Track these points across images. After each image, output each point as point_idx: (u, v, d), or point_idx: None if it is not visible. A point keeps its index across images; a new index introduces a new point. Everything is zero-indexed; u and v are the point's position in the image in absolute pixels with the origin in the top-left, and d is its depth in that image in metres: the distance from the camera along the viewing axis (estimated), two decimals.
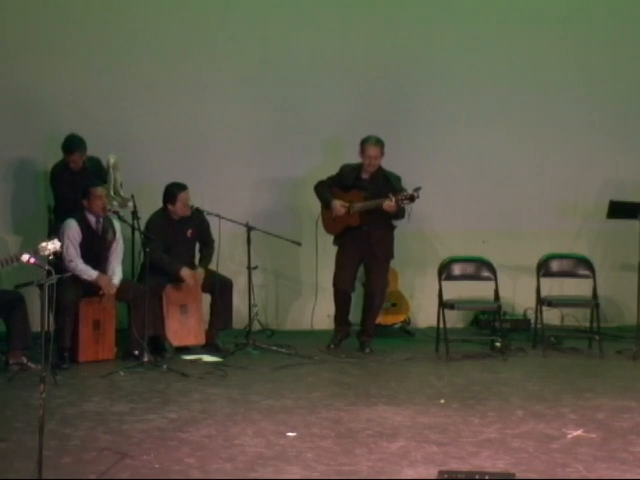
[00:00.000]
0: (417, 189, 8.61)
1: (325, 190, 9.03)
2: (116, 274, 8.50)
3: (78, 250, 8.33)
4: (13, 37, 9.51)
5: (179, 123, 9.82)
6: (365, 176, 8.94)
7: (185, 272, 8.79)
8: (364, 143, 8.86)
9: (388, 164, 9.28)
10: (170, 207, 8.84)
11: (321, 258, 9.42)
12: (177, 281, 8.81)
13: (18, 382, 7.54)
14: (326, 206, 9.02)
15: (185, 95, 9.84)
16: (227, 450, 6.01)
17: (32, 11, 9.51)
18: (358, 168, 8.96)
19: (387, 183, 8.86)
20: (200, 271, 8.91)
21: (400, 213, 8.83)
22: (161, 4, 9.87)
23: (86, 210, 8.44)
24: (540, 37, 10.27)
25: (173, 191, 8.82)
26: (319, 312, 9.35)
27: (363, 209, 8.82)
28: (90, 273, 8.33)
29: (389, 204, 8.64)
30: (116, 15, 9.69)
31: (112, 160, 8.89)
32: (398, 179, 8.94)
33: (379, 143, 8.85)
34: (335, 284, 9.07)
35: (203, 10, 9.86)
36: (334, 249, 9.10)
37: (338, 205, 8.89)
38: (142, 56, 9.74)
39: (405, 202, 8.66)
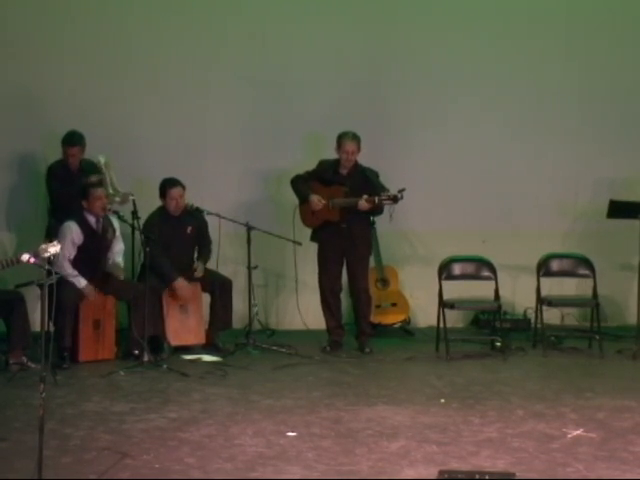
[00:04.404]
0: (401, 190, 8.54)
1: (302, 184, 9.00)
2: (117, 258, 8.56)
3: (72, 253, 8.32)
4: (12, 34, 9.51)
5: (178, 121, 9.82)
6: (343, 171, 8.94)
7: (179, 283, 8.77)
8: (341, 138, 8.85)
9: (388, 163, 9.30)
10: (163, 203, 8.88)
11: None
12: (170, 288, 8.82)
13: (18, 382, 7.53)
14: (303, 200, 8.98)
15: (184, 93, 9.85)
16: (227, 450, 6.01)
17: (32, 8, 9.52)
18: (336, 163, 8.95)
19: (365, 179, 8.84)
20: (200, 265, 8.93)
21: (378, 209, 8.81)
22: (159, 3, 9.89)
23: (85, 211, 8.44)
24: (539, 36, 10.25)
25: (164, 186, 8.88)
26: (319, 312, 9.32)
27: (343, 205, 8.81)
28: (80, 280, 8.32)
29: (362, 205, 8.63)
30: (115, 14, 9.70)
31: (103, 160, 8.91)
32: (376, 175, 8.93)
33: (356, 138, 8.84)
34: (321, 285, 9.04)
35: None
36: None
37: (316, 200, 8.85)
38: (141, 55, 9.75)
39: (387, 202, 8.62)
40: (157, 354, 8.52)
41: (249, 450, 6.01)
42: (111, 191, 8.79)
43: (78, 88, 9.58)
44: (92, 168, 8.98)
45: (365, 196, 8.66)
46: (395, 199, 8.59)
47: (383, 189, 8.74)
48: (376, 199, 8.63)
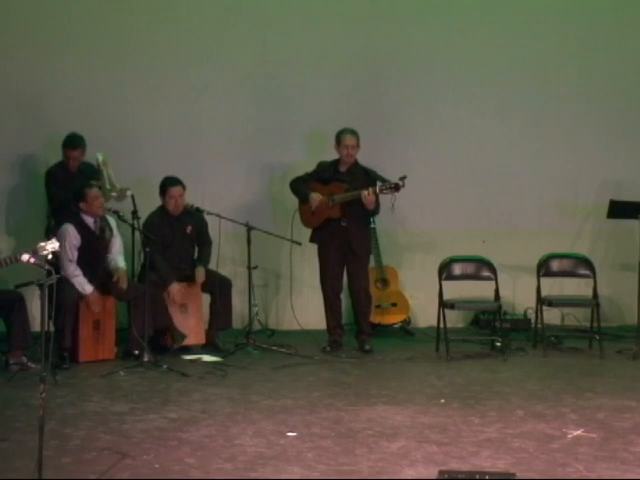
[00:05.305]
0: (402, 178, 8.58)
1: (301, 185, 9.05)
2: (119, 262, 8.52)
3: (74, 255, 8.32)
4: (12, 36, 9.52)
5: (178, 121, 9.84)
6: (342, 169, 8.99)
7: (173, 288, 8.78)
8: (340, 134, 8.94)
9: (388, 163, 9.30)
10: (163, 201, 8.88)
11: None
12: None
13: (18, 382, 7.53)
14: (303, 200, 9.02)
15: (184, 93, 9.87)
16: (227, 450, 6.00)
17: (32, 10, 9.53)
18: (335, 163, 9.03)
19: (365, 175, 8.89)
20: (201, 270, 8.92)
21: (377, 208, 8.84)
22: (159, 2, 9.89)
23: (82, 212, 8.42)
24: (539, 35, 10.27)
25: (164, 184, 8.89)
26: (319, 312, 9.32)
27: (344, 200, 8.82)
28: (85, 287, 8.33)
29: (367, 196, 8.65)
30: (115, 14, 9.72)
31: (101, 157, 8.89)
32: (374, 172, 8.96)
33: (355, 133, 8.94)
34: (324, 286, 9.06)
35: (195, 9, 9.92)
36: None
37: (315, 197, 8.90)
38: (141, 54, 9.78)
39: (388, 191, 8.65)
40: (167, 346, 8.64)
41: (249, 450, 6.01)
42: (108, 187, 8.78)
43: (78, 89, 9.58)
44: (91, 170, 8.96)
45: (369, 188, 8.69)
46: (397, 187, 8.61)
47: (383, 180, 8.78)
48: (377, 188, 8.66)
